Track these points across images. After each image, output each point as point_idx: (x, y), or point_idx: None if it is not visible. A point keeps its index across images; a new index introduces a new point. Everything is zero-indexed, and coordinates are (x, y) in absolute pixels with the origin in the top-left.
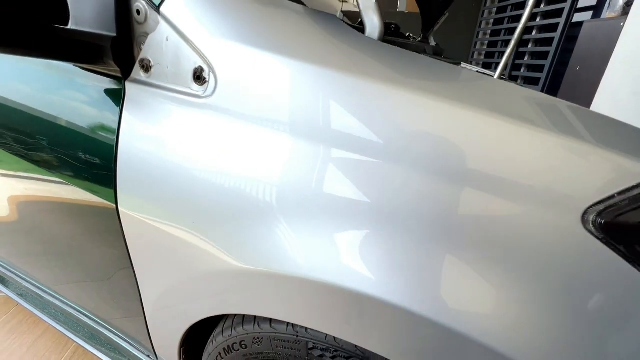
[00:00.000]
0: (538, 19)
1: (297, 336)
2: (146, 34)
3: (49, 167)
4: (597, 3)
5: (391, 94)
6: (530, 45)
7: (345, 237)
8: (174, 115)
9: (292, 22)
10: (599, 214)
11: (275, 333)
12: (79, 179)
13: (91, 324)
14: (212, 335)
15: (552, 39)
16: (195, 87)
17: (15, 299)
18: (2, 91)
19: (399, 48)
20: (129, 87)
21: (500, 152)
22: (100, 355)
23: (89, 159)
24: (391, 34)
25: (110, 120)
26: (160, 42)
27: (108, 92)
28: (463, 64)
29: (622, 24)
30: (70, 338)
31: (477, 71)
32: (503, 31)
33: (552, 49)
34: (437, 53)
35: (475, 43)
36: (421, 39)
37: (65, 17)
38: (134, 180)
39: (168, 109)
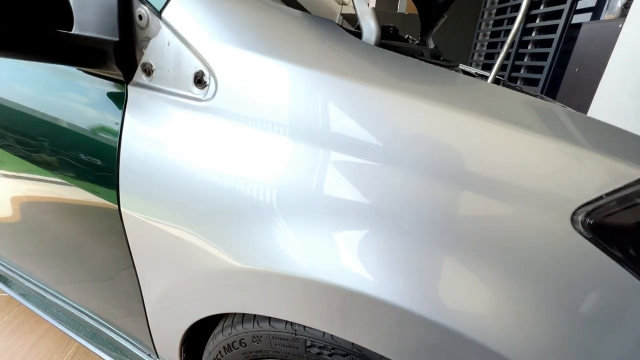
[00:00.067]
0: (538, 21)
1: (296, 334)
2: (148, 39)
3: (52, 169)
4: (596, 5)
5: (384, 98)
6: (530, 47)
7: (344, 238)
8: (175, 117)
9: (290, 27)
10: (588, 215)
11: (274, 331)
12: (82, 180)
13: (93, 323)
14: (212, 334)
15: (552, 40)
16: (196, 91)
17: (18, 299)
18: (8, 94)
19: (394, 52)
20: (131, 90)
21: (492, 154)
22: (101, 354)
23: (92, 160)
24: (389, 36)
25: (112, 122)
26: (161, 47)
27: (111, 95)
28: (461, 66)
29: (620, 26)
30: (72, 337)
31: (476, 72)
32: (503, 32)
33: (551, 50)
34: (435, 55)
35: (475, 44)
36: (419, 42)
37: (69, 22)
38: (136, 181)
39: (169, 111)
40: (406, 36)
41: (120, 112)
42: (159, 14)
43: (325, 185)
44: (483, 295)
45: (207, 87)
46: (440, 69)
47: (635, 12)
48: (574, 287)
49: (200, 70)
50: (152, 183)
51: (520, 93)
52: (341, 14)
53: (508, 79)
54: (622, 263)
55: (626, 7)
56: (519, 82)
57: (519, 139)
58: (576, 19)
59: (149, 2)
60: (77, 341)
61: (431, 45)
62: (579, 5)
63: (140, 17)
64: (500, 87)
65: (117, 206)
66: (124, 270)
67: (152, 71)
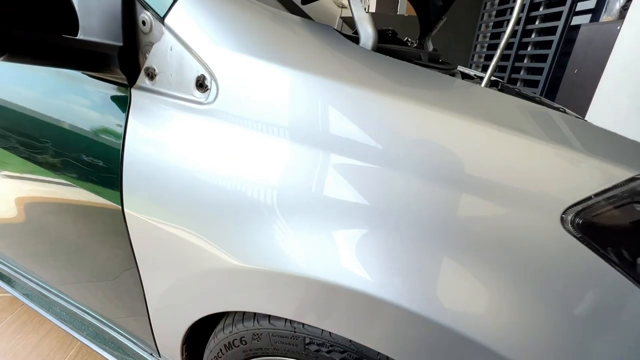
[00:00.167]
0: (537, 22)
1: (295, 332)
2: (151, 44)
3: (57, 170)
4: (595, 6)
5: (381, 101)
6: (529, 48)
7: (343, 238)
8: (177, 120)
9: (290, 33)
10: (577, 214)
11: (274, 329)
12: (86, 182)
13: (95, 323)
14: (213, 333)
15: (551, 42)
16: (198, 94)
17: (21, 299)
18: (15, 97)
19: (390, 57)
20: (135, 94)
21: (484, 156)
22: (104, 353)
23: (96, 162)
24: (388, 40)
25: (116, 125)
26: (164, 52)
27: (115, 98)
28: (460, 68)
29: (618, 28)
30: (75, 337)
31: (475, 74)
32: (502, 34)
33: (551, 52)
34: (433, 58)
35: (475, 46)
36: (417, 45)
37: (74, 27)
38: (139, 183)
39: (171, 114)
40: (405, 39)
41: (123, 115)
42: (162, 19)
43: (325, 187)
44: (481, 294)
45: (208, 90)
46: (434, 72)
47: (634, 14)
48: (564, 286)
49: (202, 75)
50: (155, 185)
51: (512, 97)
52: (341, 17)
53: (508, 80)
54: (610, 261)
55: (624, 9)
56: (518, 84)
57: (510, 141)
58: (575, 20)
59: (152, 9)
60: (79, 341)
61: (430, 47)
62: (578, 7)
63: (144, 23)
64: (492, 91)
65: (120, 207)
66: (126, 270)
67: (155, 75)
